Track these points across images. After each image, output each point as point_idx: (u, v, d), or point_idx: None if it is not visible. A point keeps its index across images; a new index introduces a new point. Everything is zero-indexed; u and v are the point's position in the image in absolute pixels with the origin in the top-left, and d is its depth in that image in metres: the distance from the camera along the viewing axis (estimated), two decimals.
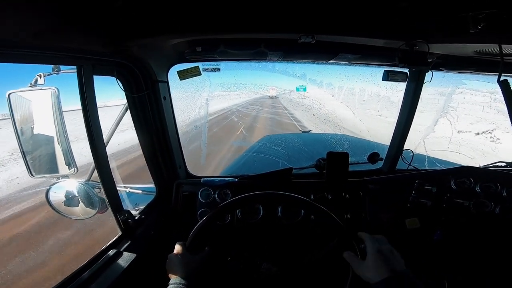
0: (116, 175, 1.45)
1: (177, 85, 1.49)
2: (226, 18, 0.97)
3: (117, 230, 1.25)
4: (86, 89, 1.01)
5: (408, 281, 0.74)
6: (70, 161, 1.13)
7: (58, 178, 1.26)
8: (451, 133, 3.07)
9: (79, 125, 1.36)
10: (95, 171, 1.14)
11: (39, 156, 1.16)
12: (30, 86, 1.06)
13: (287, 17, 0.98)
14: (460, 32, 0.92)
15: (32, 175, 1.16)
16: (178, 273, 0.92)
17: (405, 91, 1.58)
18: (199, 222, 1.04)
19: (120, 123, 1.40)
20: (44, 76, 1.06)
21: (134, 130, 1.39)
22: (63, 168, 1.15)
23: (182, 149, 1.65)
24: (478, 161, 2.50)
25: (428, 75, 1.46)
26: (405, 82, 1.48)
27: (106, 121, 1.22)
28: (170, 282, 0.91)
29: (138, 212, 1.40)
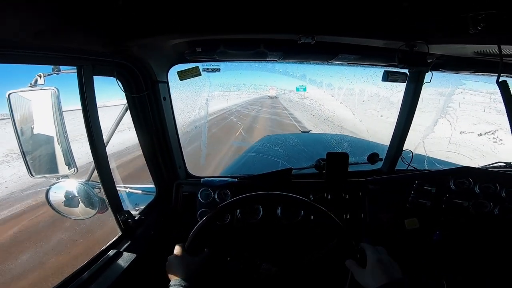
0: (116, 175, 1.45)
1: (177, 85, 1.49)
2: (226, 18, 0.97)
3: (117, 230, 1.25)
4: (86, 90, 1.02)
5: (406, 286, 0.79)
6: (70, 161, 1.13)
7: (58, 178, 1.26)
8: (450, 133, 3.08)
9: (77, 125, 1.36)
10: (95, 171, 1.15)
11: (39, 156, 1.16)
12: (30, 86, 1.06)
13: (287, 17, 0.98)
14: (459, 32, 0.92)
15: (32, 175, 1.16)
16: (178, 275, 0.93)
17: (405, 91, 1.58)
18: (198, 224, 1.04)
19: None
20: (44, 76, 1.06)
21: (130, 131, 1.39)
22: (63, 168, 1.15)
23: (182, 149, 1.65)
24: (477, 162, 2.50)
25: (427, 75, 1.46)
26: (405, 82, 1.48)
27: (105, 121, 1.22)
28: (170, 283, 0.91)
29: (138, 212, 1.40)
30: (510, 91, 0.89)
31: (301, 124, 8.41)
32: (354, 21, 1.01)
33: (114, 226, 1.24)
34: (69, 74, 1.07)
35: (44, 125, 1.09)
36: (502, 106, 0.98)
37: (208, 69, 1.41)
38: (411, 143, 1.81)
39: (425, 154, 2.34)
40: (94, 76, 1.05)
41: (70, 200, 1.32)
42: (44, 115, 1.07)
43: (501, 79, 0.89)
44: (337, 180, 1.53)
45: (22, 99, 1.07)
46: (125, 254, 1.15)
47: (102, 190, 1.16)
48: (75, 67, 1.00)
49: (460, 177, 1.50)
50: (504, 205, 1.46)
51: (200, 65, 1.39)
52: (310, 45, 1.12)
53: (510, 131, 0.91)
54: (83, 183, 1.32)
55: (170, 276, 0.95)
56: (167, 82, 1.44)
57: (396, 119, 1.68)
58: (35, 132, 1.10)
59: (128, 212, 1.25)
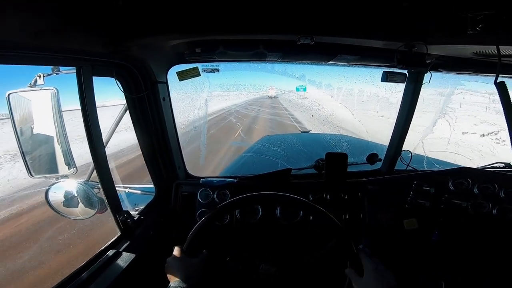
0: (116, 176, 1.45)
1: (177, 86, 1.49)
2: (226, 19, 0.97)
3: (116, 231, 1.25)
4: (86, 90, 1.02)
5: None
6: (69, 161, 1.13)
7: (57, 178, 1.26)
8: (449, 134, 3.08)
9: (75, 126, 1.35)
10: (95, 171, 1.15)
11: (38, 156, 1.16)
12: (30, 86, 1.06)
13: (286, 18, 0.98)
14: (458, 33, 0.93)
15: (31, 175, 1.16)
16: (177, 276, 0.93)
17: (404, 92, 1.58)
18: (196, 225, 1.04)
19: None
20: (43, 76, 1.06)
21: (126, 132, 1.39)
22: (62, 168, 1.15)
23: (181, 149, 1.65)
24: (476, 162, 2.51)
25: (427, 76, 1.46)
26: (404, 83, 1.48)
27: (104, 121, 1.22)
28: (170, 285, 0.91)
29: (137, 212, 1.40)
30: (508, 91, 0.89)
31: (302, 124, 8.39)
32: (353, 22, 1.01)
33: (114, 226, 1.24)
34: (68, 74, 1.07)
35: (44, 125, 1.09)
36: (500, 107, 0.98)
37: (207, 69, 1.41)
38: (410, 144, 1.82)
39: (424, 155, 2.34)
40: (94, 76, 1.06)
41: (69, 200, 1.32)
42: (44, 115, 1.07)
43: (499, 79, 0.90)
44: (336, 180, 1.53)
45: (22, 99, 1.07)
46: (124, 254, 1.15)
47: (101, 190, 1.17)
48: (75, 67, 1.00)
49: (459, 178, 1.51)
50: (503, 206, 1.46)
51: (200, 66, 1.39)
52: (309, 46, 1.12)
53: (508, 131, 0.91)
54: (82, 183, 1.32)
55: (169, 277, 0.95)
56: (166, 83, 1.44)
57: (395, 119, 1.68)
58: (34, 132, 1.11)
59: (127, 212, 1.26)
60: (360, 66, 1.58)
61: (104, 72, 1.14)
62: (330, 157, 1.52)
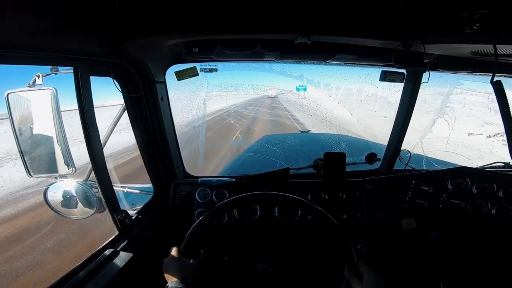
0: (113, 175, 1.45)
1: (175, 85, 1.49)
2: (223, 18, 0.98)
3: (114, 230, 1.25)
4: (83, 90, 1.02)
5: None
6: (68, 161, 1.13)
7: (56, 178, 1.26)
8: (448, 133, 3.08)
9: (72, 126, 1.36)
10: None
11: (37, 156, 1.16)
12: (29, 86, 1.07)
13: (283, 17, 0.98)
14: (456, 32, 0.93)
15: (30, 175, 1.16)
16: (175, 277, 0.93)
17: (403, 91, 1.58)
18: (193, 225, 1.04)
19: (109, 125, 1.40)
20: (42, 76, 1.07)
21: (121, 133, 1.39)
22: (61, 168, 1.15)
23: (180, 149, 1.65)
24: (475, 162, 2.51)
25: (425, 75, 1.46)
26: (403, 82, 1.48)
27: (102, 122, 1.22)
28: (167, 285, 0.92)
29: (135, 212, 1.41)
30: (504, 91, 0.89)
31: (303, 126, 8.36)
32: (350, 21, 1.01)
33: (112, 225, 1.24)
34: (67, 74, 1.07)
35: (43, 125, 1.09)
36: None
37: (205, 69, 1.42)
38: (409, 143, 1.82)
39: (423, 154, 2.34)
40: (93, 76, 1.06)
41: (68, 200, 1.32)
42: (43, 115, 1.07)
43: (495, 79, 0.90)
44: (334, 180, 1.53)
45: (21, 99, 1.07)
46: (122, 253, 1.15)
47: (99, 189, 1.17)
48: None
49: (457, 177, 1.51)
50: (501, 205, 1.46)
51: (198, 65, 1.39)
52: (307, 45, 1.12)
53: (504, 131, 0.91)
54: (81, 183, 1.32)
55: (166, 277, 0.96)
56: (164, 82, 1.44)
57: (394, 119, 1.68)
58: (33, 132, 1.11)
59: (125, 211, 1.26)
60: (359, 65, 1.58)
61: (102, 72, 1.14)
62: (328, 157, 1.52)
